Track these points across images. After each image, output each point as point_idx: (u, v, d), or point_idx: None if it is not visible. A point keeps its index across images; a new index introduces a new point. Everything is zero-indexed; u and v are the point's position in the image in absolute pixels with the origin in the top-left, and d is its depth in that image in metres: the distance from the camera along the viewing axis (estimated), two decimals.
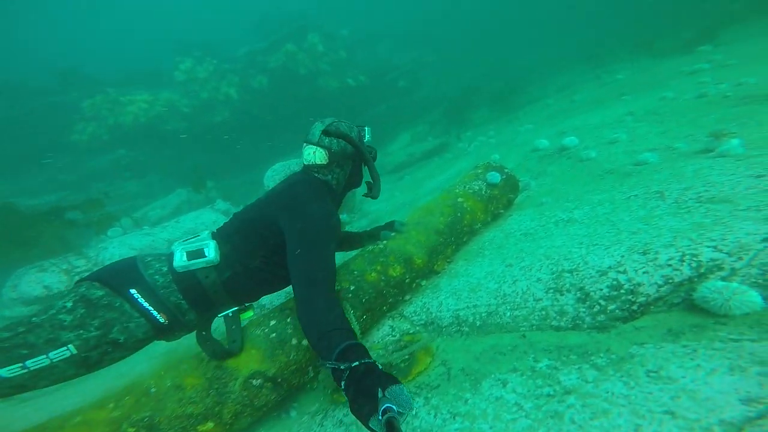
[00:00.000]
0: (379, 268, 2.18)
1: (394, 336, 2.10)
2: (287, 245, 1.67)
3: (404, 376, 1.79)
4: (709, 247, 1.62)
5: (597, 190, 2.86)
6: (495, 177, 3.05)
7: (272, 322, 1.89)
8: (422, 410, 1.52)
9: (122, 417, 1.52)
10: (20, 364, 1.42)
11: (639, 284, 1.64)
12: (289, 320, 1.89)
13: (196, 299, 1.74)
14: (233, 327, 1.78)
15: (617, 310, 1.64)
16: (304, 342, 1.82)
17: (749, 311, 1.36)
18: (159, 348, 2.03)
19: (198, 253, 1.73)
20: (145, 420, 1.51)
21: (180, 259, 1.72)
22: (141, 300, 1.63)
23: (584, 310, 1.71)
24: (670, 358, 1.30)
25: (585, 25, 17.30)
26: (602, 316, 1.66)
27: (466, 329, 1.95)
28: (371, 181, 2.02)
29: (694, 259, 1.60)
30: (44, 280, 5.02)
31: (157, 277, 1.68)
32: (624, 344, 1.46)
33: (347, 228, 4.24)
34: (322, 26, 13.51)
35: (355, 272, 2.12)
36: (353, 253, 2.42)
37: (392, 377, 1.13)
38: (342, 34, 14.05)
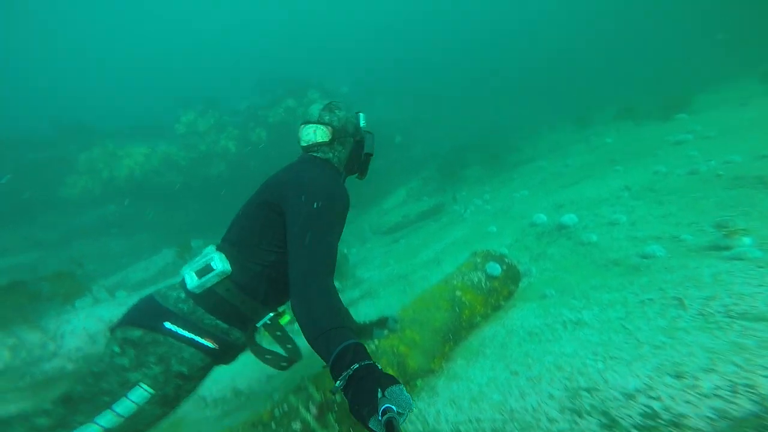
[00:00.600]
0: None
1: None
2: (287, 224, 1.55)
3: None
4: (764, 376, 1.44)
5: (605, 287, 2.69)
6: (495, 269, 2.88)
7: None
8: None
9: None
10: (110, 411, 1.47)
11: (682, 416, 1.43)
12: None
13: (229, 315, 1.65)
14: (278, 333, 1.73)
15: None
16: None
17: None
18: None
19: (207, 269, 1.63)
20: None
21: (192, 281, 1.63)
22: (180, 331, 1.57)
23: None
24: None
25: (572, 85, 18.40)
26: None
27: None
28: (368, 152, 1.95)
29: (751, 391, 1.41)
30: None
31: (180, 305, 1.62)
32: None
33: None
34: (322, 83, 14.12)
35: None
36: None
37: (392, 377, 1.11)
38: (342, 90, 14.67)
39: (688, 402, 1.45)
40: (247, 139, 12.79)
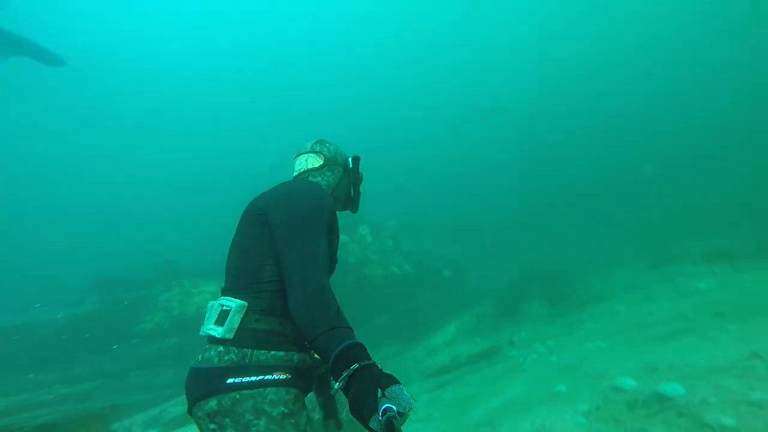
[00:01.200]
0: None
1: None
2: (274, 229, 1.52)
3: None
4: None
5: None
6: None
7: None
8: None
9: None
10: None
11: None
12: None
13: (277, 342, 1.50)
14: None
15: None
16: None
17: None
18: None
19: (224, 313, 1.52)
20: None
21: (218, 331, 1.48)
22: (246, 379, 1.39)
23: None
24: None
25: (641, 209, 16.82)
26: None
27: None
28: (355, 193, 2.05)
29: None
30: None
31: (227, 358, 1.43)
32: None
33: None
34: (371, 218, 14.82)
35: None
36: None
37: (392, 377, 1.10)
38: (389, 224, 15.18)
39: None
40: None
